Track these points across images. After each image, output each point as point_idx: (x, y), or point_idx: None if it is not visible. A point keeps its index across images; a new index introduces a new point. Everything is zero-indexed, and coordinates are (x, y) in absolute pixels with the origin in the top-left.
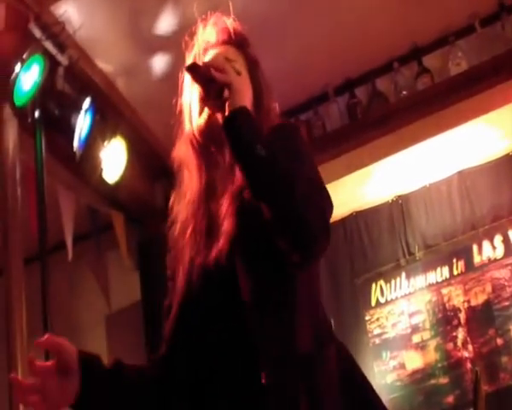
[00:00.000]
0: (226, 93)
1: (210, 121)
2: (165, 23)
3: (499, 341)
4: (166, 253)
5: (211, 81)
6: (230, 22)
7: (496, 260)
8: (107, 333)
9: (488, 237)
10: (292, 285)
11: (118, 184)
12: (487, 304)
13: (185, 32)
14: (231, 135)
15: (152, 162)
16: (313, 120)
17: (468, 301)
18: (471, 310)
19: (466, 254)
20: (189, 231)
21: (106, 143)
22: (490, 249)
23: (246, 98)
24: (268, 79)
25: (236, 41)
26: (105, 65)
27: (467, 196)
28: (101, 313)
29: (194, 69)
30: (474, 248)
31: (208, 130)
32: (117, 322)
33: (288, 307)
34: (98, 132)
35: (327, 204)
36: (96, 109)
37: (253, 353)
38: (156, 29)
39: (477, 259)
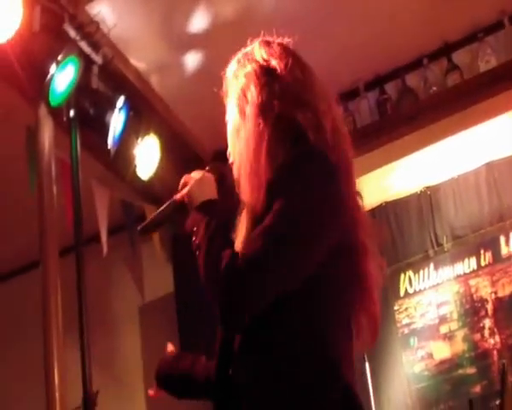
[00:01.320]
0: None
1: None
2: (198, 21)
3: None
4: None
5: (177, 207)
6: (244, 49)
7: None
8: (140, 325)
9: None
10: (280, 329)
11: (151, 179)
12: None
13: (217, 29)
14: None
15: (185, 155)
16: (344, 116)
17: (496, 293)
18: (498, 301)
19: (493, 246)
20: None
21: (139, 139)
22: None
23: (203, 192)
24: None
25: (246, 63)
26: (139, 63)
27: (495, 188)
28: (135, 305)
29: (148, 227)
30: (502, 239)
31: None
32: (150, 313)
33: (273, 351)
34: (132, 129)
35: (256, 276)
36: (129, 107)
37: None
38: (189, 27)
39: (504, 250)
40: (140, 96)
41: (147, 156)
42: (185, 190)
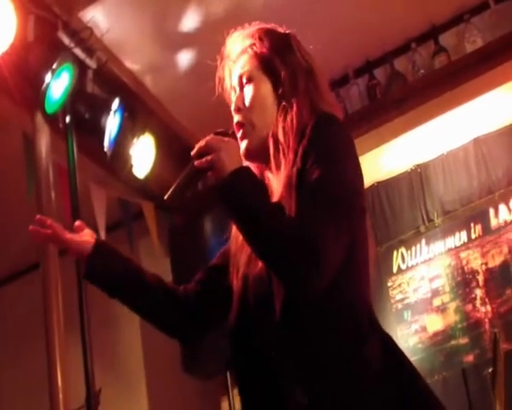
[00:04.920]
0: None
1: (250, 147)
2: (189, 20)
3: None
4: (195, 239)
5: (199, 172)
6: (239, 31)
7: None
8: (140, 321)
9: (504, 200)
10: (321, 295)
11: (147, 177)
12: (504, 265)
13: (209, 27)
14: (224, 207)
15: (181, 153)
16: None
17: (486, 264)
18: (489, 272)
19: (483, 218)
20: (241, 238)
21: (135, 140)
22: (506, 212)
23: (233, 159)
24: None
25: (248, 46)
26: (133, 64)
27: (483, 162)
28: None
29: (173, 194)
30: (491, 211)
31: (248, 154)
32: None
33: (316, 319)
34: (128, 130)
35: (323, 232)
36: (124, 108)
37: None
38: (180, 26)
39: (494, 222)
40: (135, 97)
41: (143, 155)
42: (209, 158)
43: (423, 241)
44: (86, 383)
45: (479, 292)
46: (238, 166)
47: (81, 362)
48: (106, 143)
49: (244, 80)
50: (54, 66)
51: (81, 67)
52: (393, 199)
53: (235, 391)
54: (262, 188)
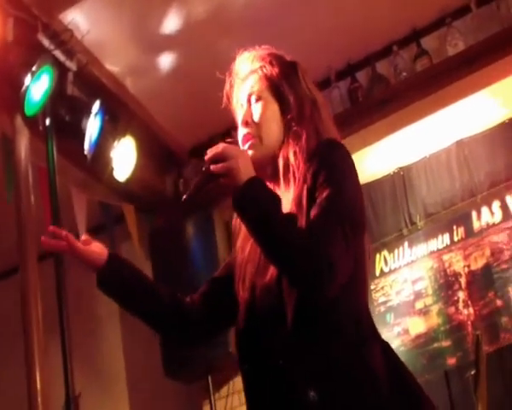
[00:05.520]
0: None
1: (255, 159)
2: (170, 22)
3: (499, 302)
4: (175, 242)
5: (213, 177)
6: (250, 51)
7: (494, 224)
8: (121, 323)
9: (486, 202)
10: (330, 304)
11: (128, 180)
12: (486, 268)
13: (190, 29)
14: (239, 213)
15: (162, 155)
16: None
17: (469, 266)
18: (471, 274)
19: (465, 221)
20: (248, 248)
21: (116, 142)
22: (488, 215)
23: (249, 168)
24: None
25: (258, 67)
26: (113, 67)
27: (465, 165)
28: (116, 304)
29: (191, 195)
30: (473, 214)
31: (256, 164)
32: None
33: (326, 326)
34: (109, 133)
35: (335, 241)
36: (105, 111)
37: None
38: (161, 28)
39: (476, 225)
40: (116, 100)
41: (123, 158)
42: (226, 164)
43: (406, 244)
44: (65, 387)
45: (461, 295)
46: (253, 176)
47: (61, 366)
48: (86, 146)
49: (253, 98)
50: (33, 68)
51: (61, 70)
52: (376, 202)
53: (217, 395)
54: (276, 197)
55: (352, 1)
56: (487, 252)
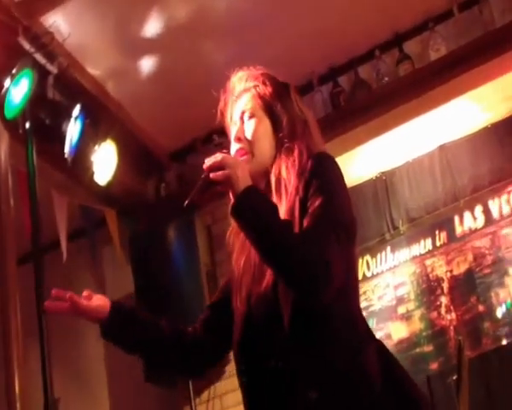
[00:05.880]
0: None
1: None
2: (152, 25)
3: (481, 307)
4: (156, 247)
5: (211, 184)
6: (245, 71)
7: (477, 229)
8: None
9: (469, 207)
10: (326, 308)
11: (109, 184)
12: (469, 273)
13: (171, 33)
14: (239, 220)
15: (143, 158)
16: None
17: (451, 271)
18: (454, 279)
19: (448, 226)
20: (242, 261)
21: (97, 146)
22: (471, 220)
23: (247, 178)
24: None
25: (252, 86)
26: (95, 70)
27: (448, 169)
28: None
29: (192, 201)
30: (456, 219)
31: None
32: None
33: (322, 329)
34: (89, 136)
35: (330, 247)
36: (86, 114)
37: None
38: (143, 31)
39: (459, 229)
40: (97, 103)
41: (104, 162)
42: (225, 172)
43: (388, 248)
44: (44, 392)
45: (444, 300)
46: (250, 184)
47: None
48: (67, 150)
49: (246, 116)
50: (14, 71)
51: (42, 73)
52: (358, 206)
53: (198, 400)
54: (273, 205)
55: (335, 5)
56: (470, 257)
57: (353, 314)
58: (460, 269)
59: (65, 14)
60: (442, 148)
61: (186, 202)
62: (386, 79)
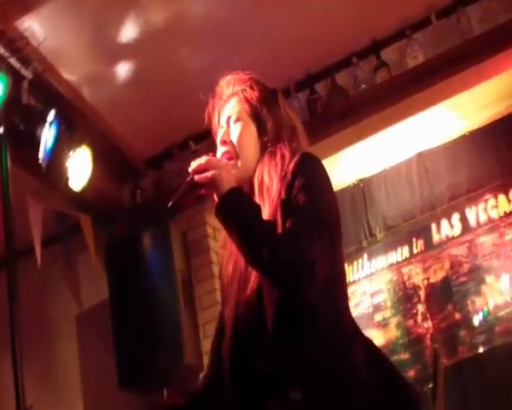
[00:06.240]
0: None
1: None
2: (128, 30)
3: (457, 315)
4: (132, 254)
5: (196, 187)
6: (234, 75)
7: (454, 237)
8: (77, 332)
9: (446, 215)
10: (310, 307)
11: (84, 190)
12: (446, 281)
13: (147, 38)
14: (222, 221)
15: (119, 165)
16: None
17: (428, 279)
18: (430, 287)
19: (425, 233)
20: (231, 269)
21: (72, 152)
22: (448, 228)
23: (231, 180)
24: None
25: (239, 90)
26: (70, 75)
27: (426, 177)
28: (72, 314)
29: (176, 204)
30: (433, 227)
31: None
32: (87, 321)
33: (307, 329)
34: (64, 142)
35: (313, 245)
36: (61, 119)
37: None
38: (119, 37)
39: (436, 237)
40: (73, 109)
41: (79, 168)
42: (209, 174)
43: (365, 256)
44: (16, 400)
45: (420, 307)
46: (235, 186)
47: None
48: (41, 155)
49: (232, 119)
50: None
51: (16, 77)
52: None
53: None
54: (257, 206)
55: (312, 12)
56: (446, 265)
57: (339, 314)
58: (437, 277)
59: (40, 18)
60: (420, 155)
61: (170, 203)
62: (364, 86)
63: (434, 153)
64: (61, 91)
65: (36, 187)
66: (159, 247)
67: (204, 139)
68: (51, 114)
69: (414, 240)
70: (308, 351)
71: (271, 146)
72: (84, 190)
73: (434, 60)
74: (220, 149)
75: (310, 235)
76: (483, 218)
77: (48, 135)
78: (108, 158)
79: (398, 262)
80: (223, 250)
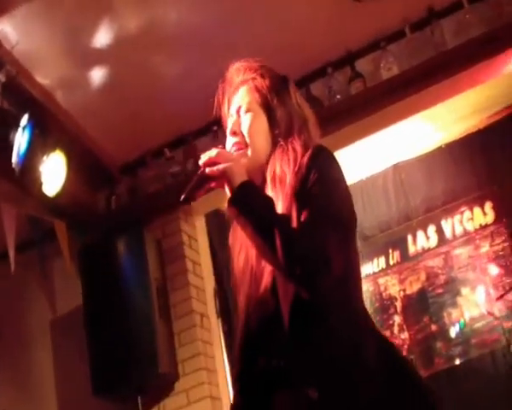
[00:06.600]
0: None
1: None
2: (102, 35)
3: (434, 327)
4: (106, 260)
5: (206, 179)
6: (244, 62)
7: (429, 249)
8: (52, 338)
9: (422, 227)
10: (325, 304)
11: (58, 195)
12: (422, 292)
13: (121, 44)
14: (235, 215)
15: (94, 170)
16: None
17: (404, 290)
18: (407, 298)
19: (401, 245)
20: (242, 261)
21: (45, 157)
22: (424, 239)
23: (242, 173)
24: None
25: (250, 78)
26: (44, 79)
27: (401, 188)
28: (47, 320)
29: (188, 197)
30: (409, 238)
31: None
32: (62, 327)
33: (322, 327)
34: (38, 146)
35: (328, 240)
36: (35, 124)
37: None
38: (93, 41)
39: (412, 249)
40: (46, 113)
41: (53, 173)
42: (220, 167)
43: None
44: None
45: (397, 319)
46: (246, 179)
47: None
48: (14, 160)
49: (243, 110)
50: None
51: None
52: None
53: None
54: (270, 200)
55: (288, 22)
56: (422, 276)
57: (354, 311)
58: (413, 288)
59: (13, 21)
60: (396, 167)
61: (182, 197)
62: (339, 96)
63: (410, 165)
64: (35, 95)
65: (9, 192)
66: (133, 254)
67: (178, 146)
68: (24, 118)
69: (390, 251)
70: (323, 349)
71: (283, 140)
72: (58, 196)
73: (409, 72)
74: (230, 140)
75: (325, 230)
76: (459, 230)
77: (21, 139)
78: (83, 163)
79: (374, 273)
80: (232, 242)
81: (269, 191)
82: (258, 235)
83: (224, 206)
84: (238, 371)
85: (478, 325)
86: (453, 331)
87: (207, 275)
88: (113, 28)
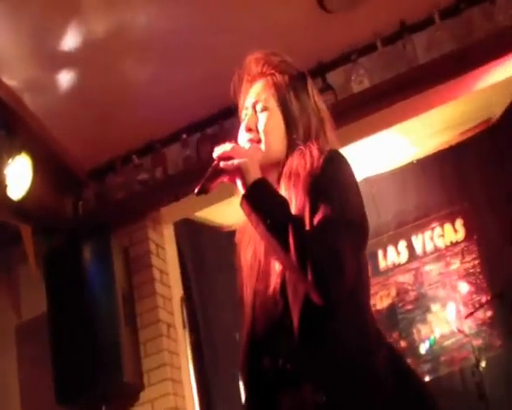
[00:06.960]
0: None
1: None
2: (70, 39)
3: (403, 343)
4: (71, 265)
5: (220, 173)
6: (264, 54)
7: (400, 264)
8: (17, 344)
9: (393, 242)
10: (335, 308)
11: (24, 199)
12: (392, 308)
13: (89, 47)
14: (248, 212)
15: (61, 174)
16: (220, 135)
17: (374, 305)
18: (377, 313)
19: (371, 259)
20: (249, 256)
21: (11, 159)
22: (394, 255)
23: (256, 170)
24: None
25: (268, 73)
26: (11, 81)
27: (372, 203)
28: (12, 325)
29: (203, 189)
30: (380, 253)
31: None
32: (27, 333)
33: (331, 331)
34: (3, 149)
35: (342, 245)
36: (0, 126)
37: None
38: (61, 44)
39: (382, 264)
40: (13, 114)
41: (18, 176)
42: (235, 163)
43: None
44: None
45: None
46: (261, 177)
47: None
48: None
49: (259, 106)
50: None
51: None
52: None
53: None
54: (284, 199)
55: (259, 32)
56: (393, 292)
57: (363, 316)
58: (383, 303)
59: None
60: (367, 181)
61: (197, 189)
62: None
63: (382, 179)
64: (1, 96)
65: None
66: (99, 261)
67: (147, 153)
68: None
69: None
70: (332, 353)
71: (300, 143)
72: (23, 199)
73: (380, 85)
74: (244, 135)
75: (338, 236)
76: (429, 246)
77: None
78: (49, 167)
79: None
80: (240, 238)
81: (282, 191)
82: (270, 234)
83: (193, 214)
84: (243, 368)
85: (447, 342)
86: (423, 348)
87: (175, 284)
88: (82, 31)
